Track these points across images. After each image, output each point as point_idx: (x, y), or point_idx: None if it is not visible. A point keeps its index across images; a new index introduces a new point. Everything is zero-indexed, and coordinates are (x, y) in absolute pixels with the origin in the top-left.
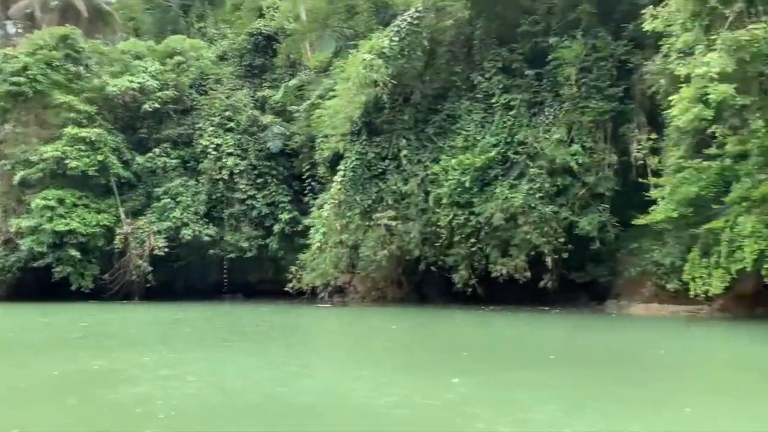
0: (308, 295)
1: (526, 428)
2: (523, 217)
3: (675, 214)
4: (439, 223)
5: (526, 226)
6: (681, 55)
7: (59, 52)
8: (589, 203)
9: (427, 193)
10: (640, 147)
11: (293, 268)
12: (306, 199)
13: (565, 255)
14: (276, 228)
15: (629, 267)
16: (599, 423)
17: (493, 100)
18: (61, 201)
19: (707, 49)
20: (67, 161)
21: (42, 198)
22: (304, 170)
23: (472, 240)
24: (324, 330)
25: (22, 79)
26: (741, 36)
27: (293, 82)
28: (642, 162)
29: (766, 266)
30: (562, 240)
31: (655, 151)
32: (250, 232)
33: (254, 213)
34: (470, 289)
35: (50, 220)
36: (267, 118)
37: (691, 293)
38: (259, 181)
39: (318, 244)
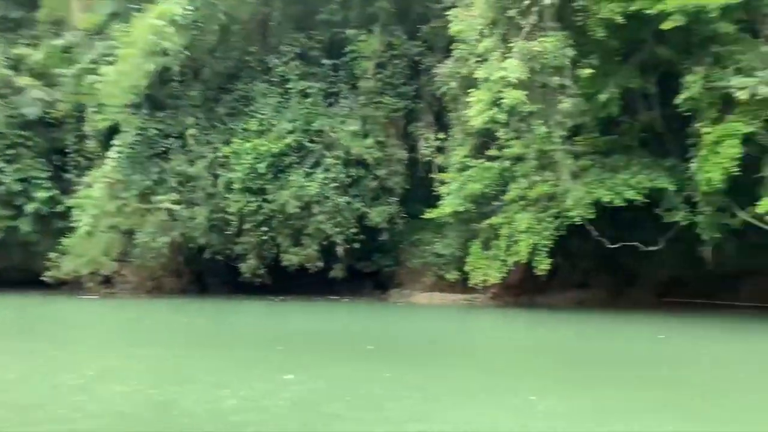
0: (69, 286)
1: (399, 427)
2: (317, 206)
3: (461, 209)
4: (228, 210)
5: (320, 215)
6: (479, 59)
7: None
8: (380, 195)
9: (216, 177)
10: (427, 145)
11: (52, 255)
12: (69, 176)
13: (357, 245)
14: (29, 208)
15: (412, 258)
16: (471, 417)
17: (290, 86)
18: None
19: (503, 56)
20: None
21: None
22: (68, 143)
23: (264, 228)
24: (105, 325)
25: None
26: (534, 47)
27: (59, 42)
28: (429, 159)
29: (537, 258)
30: (354, 230)
31: (440, 149)
32: None
33: (2, 189)
34: (259, 279)
35: None
36: (23, 80)
37: (471, 283)
38: (9, 152)
39: (86, 228)
